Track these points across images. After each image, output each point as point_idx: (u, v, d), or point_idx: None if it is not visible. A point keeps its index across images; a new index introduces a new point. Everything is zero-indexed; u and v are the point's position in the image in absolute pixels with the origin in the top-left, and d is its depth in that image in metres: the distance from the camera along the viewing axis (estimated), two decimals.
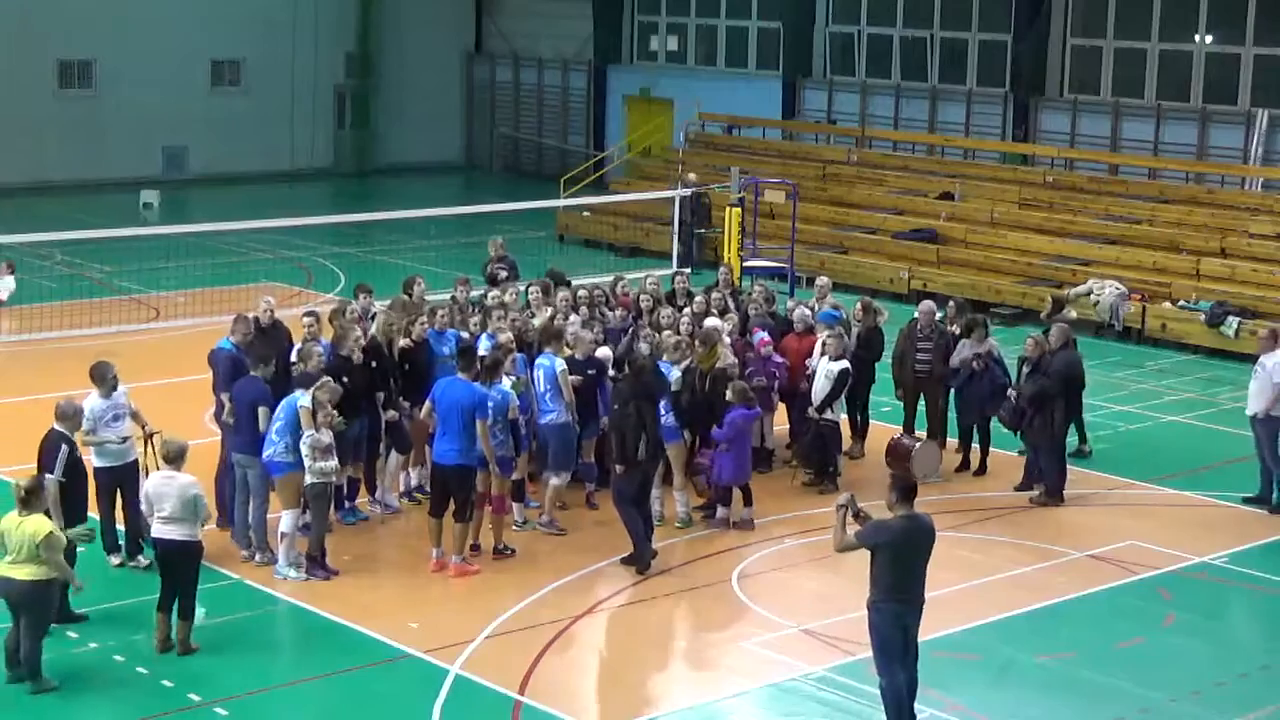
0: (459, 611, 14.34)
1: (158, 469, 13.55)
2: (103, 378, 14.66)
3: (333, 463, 14.75)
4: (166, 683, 12.71)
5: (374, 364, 16.29)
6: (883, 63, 38.09)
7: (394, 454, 16.74)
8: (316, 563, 14.91)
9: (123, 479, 14.78)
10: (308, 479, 14.65)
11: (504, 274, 21.36)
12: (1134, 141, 33.59)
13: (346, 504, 16.37)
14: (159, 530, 13.14)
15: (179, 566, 13.12)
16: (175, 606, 13.18)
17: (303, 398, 14.69)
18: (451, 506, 15.08)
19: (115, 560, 14.97)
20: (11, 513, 12.40)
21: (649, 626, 14.40)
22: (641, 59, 43.89)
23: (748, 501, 16.63)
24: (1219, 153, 32.22)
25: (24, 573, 12.18)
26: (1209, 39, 32.91)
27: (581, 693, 13.08)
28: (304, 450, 14.56)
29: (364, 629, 13.84)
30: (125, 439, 14.77)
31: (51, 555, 12.15)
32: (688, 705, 12.79)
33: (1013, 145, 34.84)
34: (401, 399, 16.51)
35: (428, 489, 16.21)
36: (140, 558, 14.87)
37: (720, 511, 16.66)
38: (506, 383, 15.74)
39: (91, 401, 14.55)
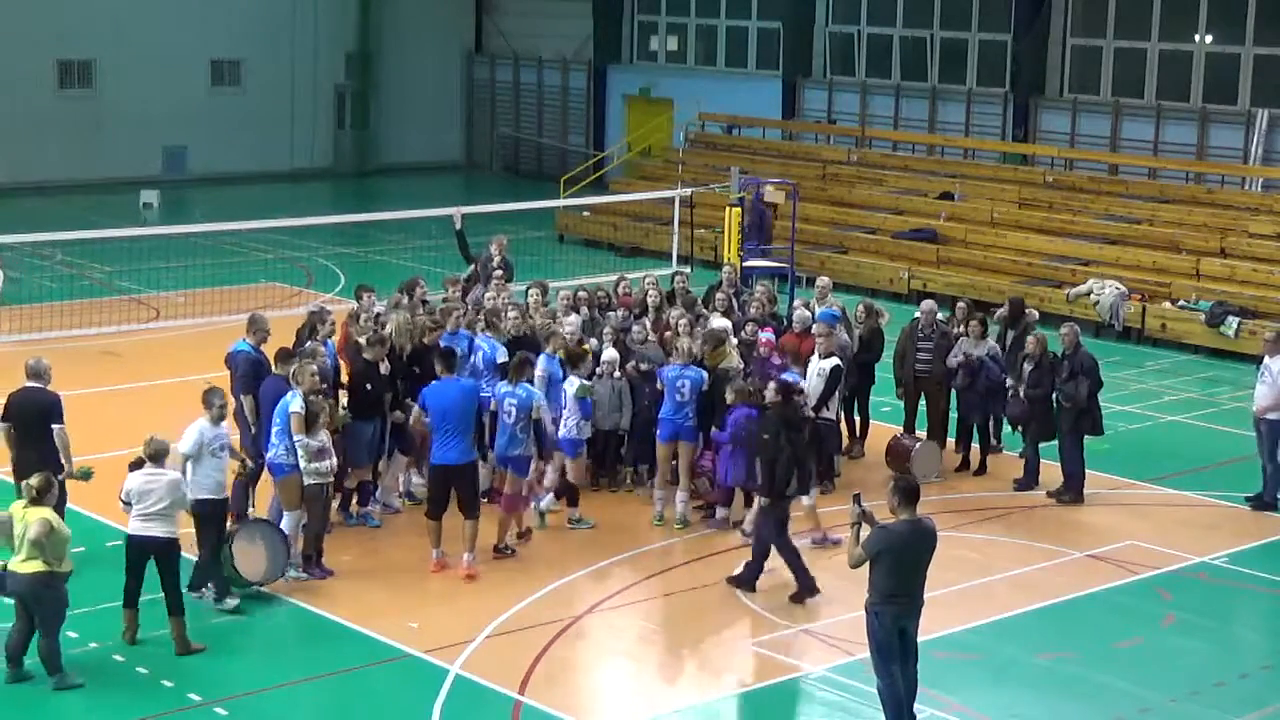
0: (459, 611, 14.34)
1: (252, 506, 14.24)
2: (211, 403, 13.95)
3: (328, 463, 14.75)
4: (166, 683, 12.72)
5: (381, 365, 16.30)
6: (883, 63, 38.10)
7: (396, 454, 16.74)
8: (313, 562, 14.91)
9: (223, 513, 14.17)
10: (305, 480, 14.66)
11: (499, 273, 21.32)
12: (1134, 141, 33.59)
13: (364, 505, 16.42)
14: (139, 528, 13.11)
15: (163, 564, 13.15)
16: (156, 604, 13.24)
17: (294, 403, 14.65)
18: (449, 509, 15.08)
19: (199, 596, 14.20)
20: (19, 502, 12.53)
21: (649, 626, 14.40)
22: (641, 59, 43.89)
23: (749, 502, 16.61)
24: (1219, 153, 32.22)
25: (28, 566, 12.25)
26: (1209, 39, 32.91)
27: (581, 693, 13.08)
28: (299, 452, 14.58)
29: (364, 629, 13.84)
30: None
31: (39, 548, 12.19)
32: (688, 705, 12.79)
33: (1013, 145, 34.85)
34: (409, 401, 16.53)
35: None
36: (229, 599, 14.14)
37: (720, 512, 16.65)
38: (573, 385, 15.71)
39: (201, 425, 13.82)
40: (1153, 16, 33.52)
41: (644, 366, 17.31)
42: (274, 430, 14.72)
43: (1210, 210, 29.93)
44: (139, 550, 13.19)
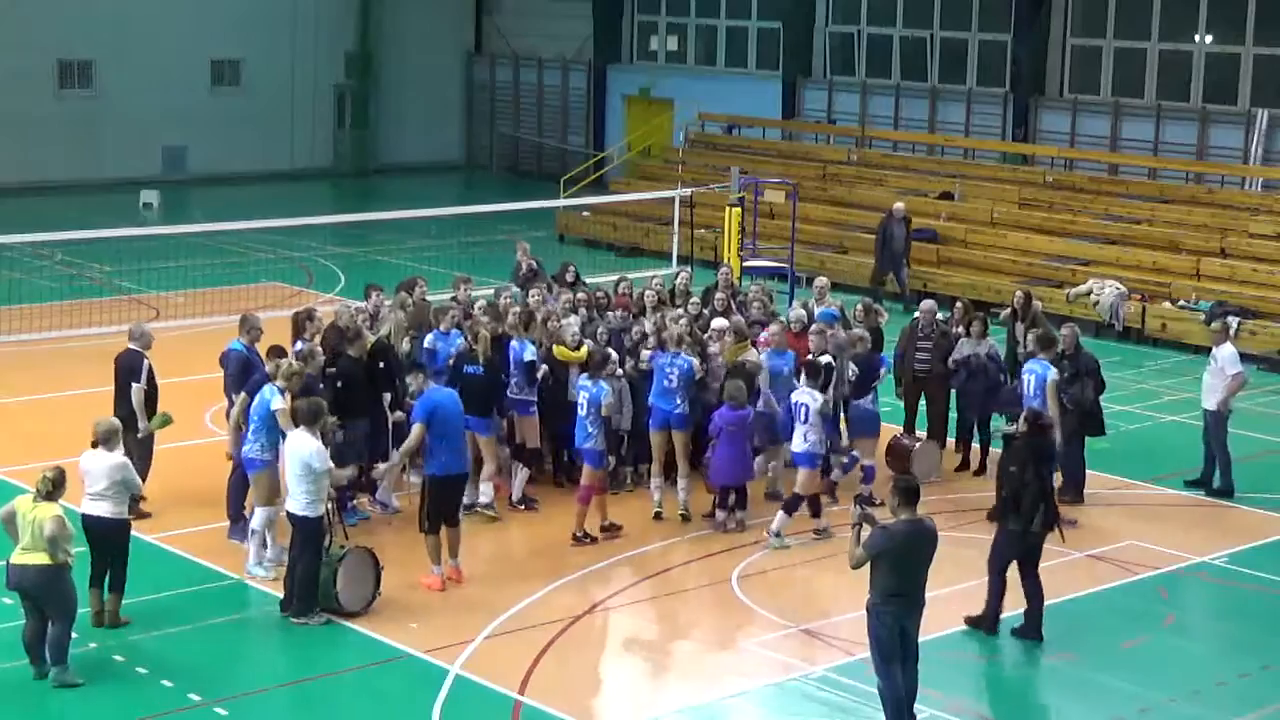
0: (459, 611, 14.33)
1: (345, 536, 14.45)
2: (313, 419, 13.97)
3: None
4: (166, 683, 12.72)
5: (381, 365, 16.28)
6: (883, 63, 38.09)
7: (396, 454, 16.68)
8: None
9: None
10: None
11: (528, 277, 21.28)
12: (1134, 141, 33.59)
13: (348, 504, 16.34)
14: (88, 507, 13.37)
15: (109, 542, 13.39)
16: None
17: (275, 400, 14.59)
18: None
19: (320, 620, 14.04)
20: (26, 496, 12.53)
21: (649, 626, 14.41)
22: (641, 59, 43.90)
23: (741, 504, 16.53)
24: (1219, 153, 32.22)
25: (37, 559, 12.28)
26: (1209, 39, 32.91)
27: (581, 693, 13.08)
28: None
29: (364, 629, 13.84)
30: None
31: (54, 545, 12.25)
32: (688, 705, 12.78)
33: (1013, 145, 34.85)
34: (409, 399, 16.50)
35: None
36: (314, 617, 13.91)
37: (719, 515, 16.56)
38: (816, 400, 15.74)
39: (318, 445, 13.76)
40: (1153, 16, 33.52)
41: (644, 365, 17.31)
42: (250, 427, 14.67)
43: (1210, 210, 29.94)
44: (89, 530, 13.44)
